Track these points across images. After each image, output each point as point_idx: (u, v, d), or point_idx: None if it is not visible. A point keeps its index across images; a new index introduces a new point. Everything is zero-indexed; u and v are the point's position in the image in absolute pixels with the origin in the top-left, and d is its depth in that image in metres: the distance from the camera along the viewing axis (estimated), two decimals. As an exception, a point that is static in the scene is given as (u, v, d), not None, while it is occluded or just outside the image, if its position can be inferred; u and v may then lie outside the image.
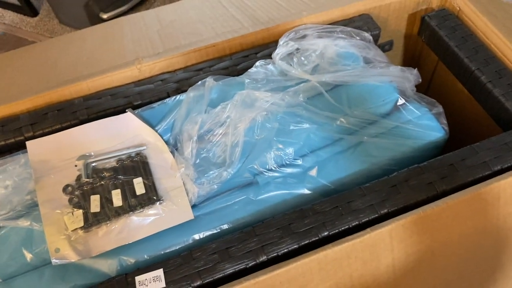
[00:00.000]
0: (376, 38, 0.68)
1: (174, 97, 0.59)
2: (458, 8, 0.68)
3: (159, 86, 0.62)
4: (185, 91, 0.61)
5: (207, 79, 0.58)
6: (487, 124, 0.63)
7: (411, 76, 0.60)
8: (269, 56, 0.65)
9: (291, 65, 0.60)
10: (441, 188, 0.50)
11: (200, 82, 0.58)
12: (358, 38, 0.64)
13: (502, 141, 0.53)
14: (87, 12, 1.56)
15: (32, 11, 1.69)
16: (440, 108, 0.59)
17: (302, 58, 0.60)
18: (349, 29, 0.64)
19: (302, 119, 0.54)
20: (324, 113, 0.54)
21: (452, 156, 0.53)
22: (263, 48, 0.66)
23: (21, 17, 1.70)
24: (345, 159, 0.54)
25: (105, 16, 1.58)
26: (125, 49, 0.70)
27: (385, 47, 0.73)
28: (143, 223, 0.50)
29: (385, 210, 0.49)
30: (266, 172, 0.53)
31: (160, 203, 0.51)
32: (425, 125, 0.57)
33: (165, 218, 0.50)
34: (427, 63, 0.76)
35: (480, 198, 0.49)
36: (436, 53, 0.69)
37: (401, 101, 0.58)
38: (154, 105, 0.59)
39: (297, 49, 0.62)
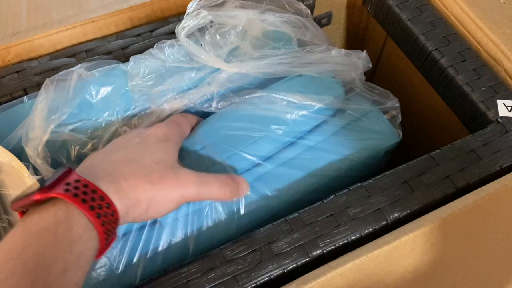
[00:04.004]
0: (310, 9, 0.53)
1: (36, 94, 0.42)
2: (411, -30, 0.54)
3: (13, 81, 0.45)
4: (51, 86, 0.44)
5: (76, 68, 0.41)
6: (448, 119, 0.51)
7: (359, 61, 0.46)
8: (170, 34, 0.49)
9: (201, 45, 0.44)
10: (392, 215, 0.38)
11: (63, 72, 0.41)
12: (292, 10, 0.49)
13: (468, 148, 0.41)
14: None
15: None
16: (395, 102, 0.46)
17: (217, 37, 0.44)
18: (281, -3, 0.48)
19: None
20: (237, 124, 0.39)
21: (407, 169, 0.40)
22: (163, 23, 0.50)
23: None
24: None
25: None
26: (-23, 28, 0.52)
27: (322, 21, 0.58)
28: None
29: (319, 251, 0.36)
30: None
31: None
32: (375, 129, 0.44)
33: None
34: (375, 40, 0.62)
35: (442, 227, 0.37)
36: (384, 27, 0.55)
37: (346, 96, 0.45)
38: (6, 106, 0.42)
39: (211, 22, 0.46)
